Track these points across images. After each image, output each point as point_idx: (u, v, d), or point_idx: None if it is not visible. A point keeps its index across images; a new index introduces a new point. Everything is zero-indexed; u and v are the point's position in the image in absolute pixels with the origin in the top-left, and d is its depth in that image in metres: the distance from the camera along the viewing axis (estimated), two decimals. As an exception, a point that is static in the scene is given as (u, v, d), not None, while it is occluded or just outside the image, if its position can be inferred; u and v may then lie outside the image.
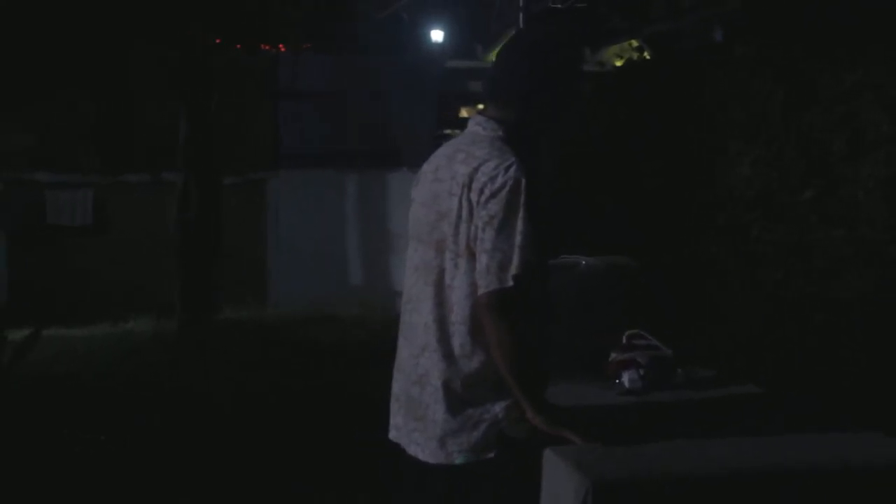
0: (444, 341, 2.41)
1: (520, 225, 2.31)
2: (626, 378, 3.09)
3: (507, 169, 2.35)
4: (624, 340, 3.20)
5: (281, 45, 16.01)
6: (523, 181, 2.33)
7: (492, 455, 2.38)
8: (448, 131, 21.13)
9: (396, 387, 2.58)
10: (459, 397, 2.39)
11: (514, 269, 2.31)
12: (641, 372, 3.08)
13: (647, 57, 7.90)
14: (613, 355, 3.17)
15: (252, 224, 14.06)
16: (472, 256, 2.38)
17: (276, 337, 10.23)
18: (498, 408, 2.38)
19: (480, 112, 2.58)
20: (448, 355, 2.40)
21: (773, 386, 3.77)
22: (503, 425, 2.37)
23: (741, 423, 2.69)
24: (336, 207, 14.60)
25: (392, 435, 2.58)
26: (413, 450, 2.48)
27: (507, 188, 2.33)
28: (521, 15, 5.09)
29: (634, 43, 9.97)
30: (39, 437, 5.84)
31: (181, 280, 10.86)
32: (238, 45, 12.79)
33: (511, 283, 2.31)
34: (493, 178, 2.35)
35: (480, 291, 2.34)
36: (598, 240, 5.16)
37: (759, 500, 2.25)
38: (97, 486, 5.09)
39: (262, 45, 14.21)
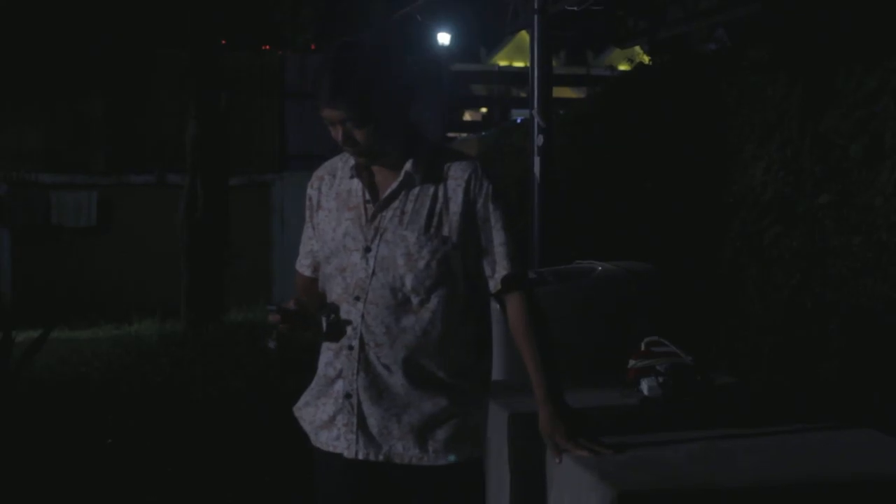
0: None
1: None
2: (644, 386, 3.05)
3: None
4: (643, 347, 3.16)
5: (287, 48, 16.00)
6: None
7: None
8: (453, 134, 21.10)
9: None
10: None
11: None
12: (660, 380, 3.04)
13: (649, 61, 7.86)
14: (632, 362, 3.13)
15: (257, 226, 14.05)
16: None
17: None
18: None
19: None
20: None
21: (793, 393, 3.74)
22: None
23: (763, 433, 2.65)
24: (341, 210, 14.54)
25: None
26: None
27: None
28: (535, 17, 5.03)
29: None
30: (46, 438, 5.81)
31: (188, 281, 10.83)
32: (245, 47, 12.78)
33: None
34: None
35: None
36: (611, 244, 5.13)
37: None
38: (103, 488, 5.07)
39: (269, 47, 14.19)
